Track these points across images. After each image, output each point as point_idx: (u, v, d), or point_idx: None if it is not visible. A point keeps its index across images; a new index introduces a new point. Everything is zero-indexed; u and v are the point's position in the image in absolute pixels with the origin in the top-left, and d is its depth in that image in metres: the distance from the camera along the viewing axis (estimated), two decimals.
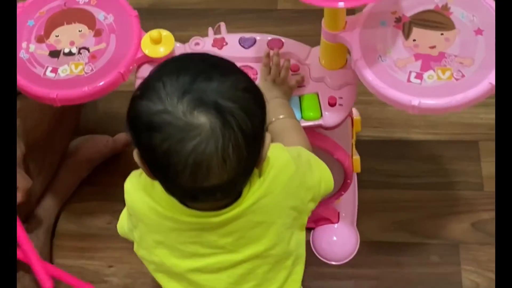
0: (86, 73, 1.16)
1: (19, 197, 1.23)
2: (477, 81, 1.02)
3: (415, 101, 1.03)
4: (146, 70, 1.20)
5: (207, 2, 1.85)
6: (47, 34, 1.20)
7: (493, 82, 1.01)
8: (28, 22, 1.22)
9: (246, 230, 0.91)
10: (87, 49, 1.19)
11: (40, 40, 1.20)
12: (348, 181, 1.33)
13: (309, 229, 1.47)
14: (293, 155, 0.96)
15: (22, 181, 1.26)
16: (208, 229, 0.90)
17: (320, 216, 1.46)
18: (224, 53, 1.20)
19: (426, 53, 1.07)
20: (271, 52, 1.17)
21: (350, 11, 1.10)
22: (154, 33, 1.17)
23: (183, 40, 1.23)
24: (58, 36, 1.20)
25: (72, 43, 1.19)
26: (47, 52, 1.19)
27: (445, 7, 1.10)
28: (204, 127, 0.77)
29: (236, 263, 0.93)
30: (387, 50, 1.08)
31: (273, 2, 1.80)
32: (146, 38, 1.19)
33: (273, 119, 1.10)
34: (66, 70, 1.17)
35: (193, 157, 0.78)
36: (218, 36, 1.22)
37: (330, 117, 1.15)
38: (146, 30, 1.20)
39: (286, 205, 0.94)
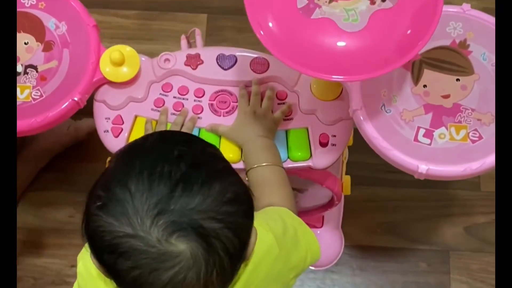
0: (34, 99, 0.99)
1: None
2: None
3: (423, 168, 0.88)
4: (106, 92, 1.03)
5: None
6: None
7: None
8: None
9: None
10: (35, 68, 1.00)
11: None
12: (337, 202, 1.20)
13: None
14: (277, 232, 0.84)
15: None
16: None
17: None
18: (198, 74, 1.02)
19: (438, 104, 0.91)
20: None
21: None
22: (114, 53, 0.99)
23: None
24: None
25: (17, 59, 1.00)
26: None
27: (464, 44, 0.92)
28: (184, 255, 0.65)
29: None
30: (393, 97, 0.91)
31: None
32: (106, 56, 1.00)
33: (255, 165, 0.96)
34: None
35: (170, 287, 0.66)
36: (192, 52, 1.03)
37: (321, 159, 1.01)
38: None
39: None
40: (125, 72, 1.01)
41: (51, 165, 1.43)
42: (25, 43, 1.01)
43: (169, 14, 1.53)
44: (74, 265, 1.31)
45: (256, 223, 0.82)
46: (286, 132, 1.01)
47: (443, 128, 0.90)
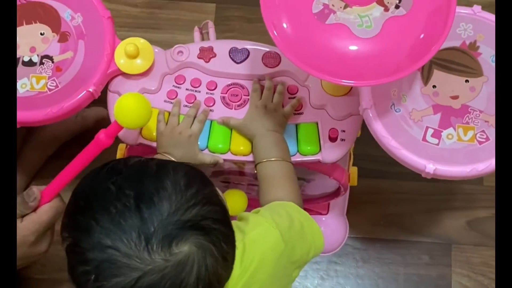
0: (49, 89, 1.00)
1: None
2: None
3: (430, 167, 0.90)
4: (119, 83, 1.04)
5: None
6: None
7: None
8: None
9: None
10: (51, 59, 1.02)
11: None
12: (343, 192, 1.22)
13: None
14: (283, 227, 0.86)
15: None
16: None
17: (308, 208, 1.36)
18: (211, 67, 1.04)
19: (446, 104, 0.92)
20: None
21: None
22: (129, 46, 1.00)
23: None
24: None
25: (32, 50, 1.02)
26: None
27: (473, 46, 0.94)
28: (192, 252, 0.69)
29: None
30: (402, 96, 0.93)
31: None
32: (121, 48, 1.01)
33: (264, 160, 0.98)
34: (26, 84, 1.00)
35: (202, 283, 0.71)
36: (205, 45, 1.04)
37: (330, 153, 1.02)
38: None
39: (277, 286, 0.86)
40: (139, 64, 1.02)
41: (59, 152, 1.43)
42: (41, 34, 1.02)
43: (177, 3, 1.53)
44: None
45: (263, 219, 0.86)
46: (296, 126, 1.03)
47: (451, 128, 0.91)
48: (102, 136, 0.86)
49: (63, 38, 1.02)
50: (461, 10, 0.94)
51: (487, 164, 0.89)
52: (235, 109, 1.03)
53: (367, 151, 1.38)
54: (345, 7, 0.81)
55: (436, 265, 1.36)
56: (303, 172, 1.13)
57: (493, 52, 0.93)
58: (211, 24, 1.10)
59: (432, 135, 0.91)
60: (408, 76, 0.93)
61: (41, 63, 1.01)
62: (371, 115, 0.92)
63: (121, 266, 0.67)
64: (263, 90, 1.02)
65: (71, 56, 1.01)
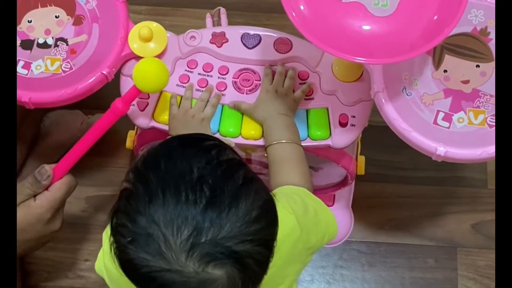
0: (64, 71, 1.01)
1: None
2: None
3: (441, 150, 0.91)
4: (133, 66, 1.03)
5: None
6: (18, 18, 1.03)
7: None
8: None
9: None
10: (65, 41, 1.03)
11: None
12: (350, 181, 1.23)
13: None
14: (299, 214, 0.86)
15: None
16: None
17: None
18: (223, 52, 1.05)
19: (457, 88, 0.93)
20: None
21: None
22: (143, 30, 1.01)
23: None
24: (31, 21, 1.04)
25: (47, 32, 1.03)
26: (19, 42, 1.02)
27: (484, 32, 0.95)
28: (221, 280, 0.67)
29: None
30: (413, 81, 0.94)
31: None
32: (134, 32, 1.02)
33: (274, 142, 0.99)
34: (40, 66, 1.01)
35: None
36: (217, 30, 1.06)
37: (340, 138, 1.03)
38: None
39: (288, 273, 0.87)
40: (152, 48, 1.03)
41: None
42: (56, 17, 1.04)
43: (180, 10, 1.53)
44: (87, 259, 1.36)
45: (280, 205, 0.83)
46: (307, 111, 1.04)
47: (462, 112, 0.92)
48: (118, 103, 0.86)
49: (78, 21, 1.03)
50: None
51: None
52: (246, 93, 1.04)
53: (372, 155, 1.41)
54: None
55: (442, 268, 1.36)
56: (312, 160, 1.13)
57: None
58: (223, 11, 1.12)
59: (443, 119, 0.92)
60: (420, 60, 0.95)
61: (56, 45, 1.02)
62: (382, 98, 0.93)
63: (157, 249, 0.66)
64: (274, 75, 1.03)
65: (85, 39, 1.03)
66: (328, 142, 1.03)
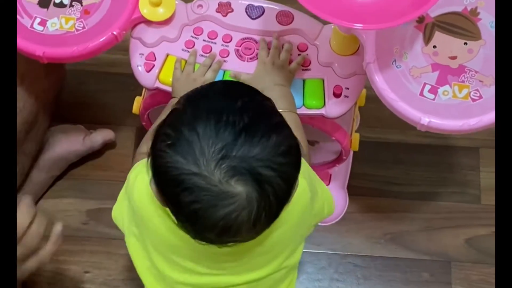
0: (77, 30, 1.07)
1: None
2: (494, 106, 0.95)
3: (425, 120, 0.96)
4: (142, 30, 1.11)
5: None
6: None
7: None
8: None
9: (253, 257, 0.88)
10: (80, 2, 1.09)
11: None
12: (344, 157, 1.28)
13: None
14: (306, 177, 0.91)
15: None
16: (214, 253, 0.86)
17: None
18: (228, 21, 1.11)
19: (445, 63, 0.98)
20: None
21: None
22: None
23: None
24: None
25: None
26: (36, 0, 1.09)
27: (474, 12, 1.00)
28: (240, 196, 0.73)
29: (234, 285, 0.90)
30: (404, 54, 0.99)
31: None
32: None
33: None
34: (55, 24, 1.08)
35: (224, 222, 0.74)
36: (224, 0, 1.12)
37: (333, 108, 1.08)
38: None
39: (296, 235, 0.92)
40: (161, 13, 1.09)
41: (65, 172, 1.46)
42: None
43: None
44: (88, 271, 1.39)
45: None
46: (304, 81, 1.09)
47: (447, 86, 0.97)
48: None
49: None
50: None
51: (478, 119, 0.95)
52: (247, 61, 1.10)
53: (367, 170, 1.46)
54: None
55: (436, 282, 1.38)
56: (308, 133, 1.18)
57: (492, 18, 0.99)
58: None
59: (429, 91, 0.97)
60: (411, 35, 1.00)
61: (71, 5, 1.09)
62: (373, 69, 0.98)
63: (191, 154, 0.72)
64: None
65: (99, 1, 1.09)
66: (322, 111, 1.08)
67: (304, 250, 0.98)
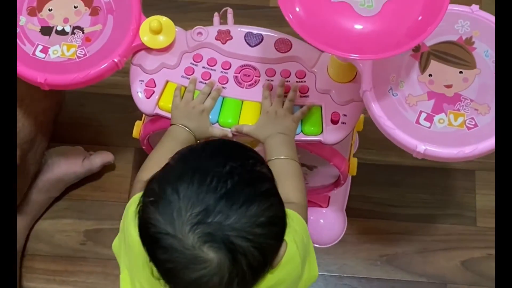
0: (78, 57, 1.09)
1: None
2: (490, 134, 0.97)
3: (421, 148, 0.97)
4: (142, 57, 1.13)
5: None
6: (40, 6, 1.12)
7: None
8: None
9: None
10: (82, 30, 1.11)
11: (32, 13, 1.11)
12: (342, 182, 1.29)
13: None
14: (299, 242, 0.90)
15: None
16: None
17: (309, 200, 1.43)
18: (227, 48, 1.12)
19: (440, 92, 1.00)
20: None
21: None
22: (153, 23, 1.09)
23: None
24: (51, 10, 1.12)
25: (66, 20, 1.11)
26: (39, 28, 1.11)
27: (469, 41, 1.02)
28: (211, 263, 0.74)
29: None
30: (400, 82, 1.01)
31: None
32: (145, 25, 1.10)
33: (273, 157, 1.05)
34: (57, 51, 1.09)
35: (196, 285, 0.76)
36: (223, 28, 1.13)
37: (331, 135, 1.10)
38: None
39: None
40: (161, 40, 1.11)
41: (64, 193, 1.48)
42: (74, 7, 1.11)
43: None
44: None
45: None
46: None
47: (443, 114, 0.99)
48: None
49: (94, 12, 1.11)
50: (460, 8, 1.03)
51: (473, 148, 0.96)
52: (246, 88, 1.11)
53: (364, 192, 1.49)
54: None
55: None
56: (306, 158, 1.20)
57: (487, 47, 1.01)
58: (230, 11, 1.19)
59: (425, 119, 0.99)
60: (407, 64, 1.02)
61: (73, 33, 1.10)
62: (370, 97, 1.00)
63: (168, 215, 0.74)
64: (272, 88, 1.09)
65: (100, 28, 1.10)
66: (320, 138, 1.10)
67: None
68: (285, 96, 1.09)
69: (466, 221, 1.47)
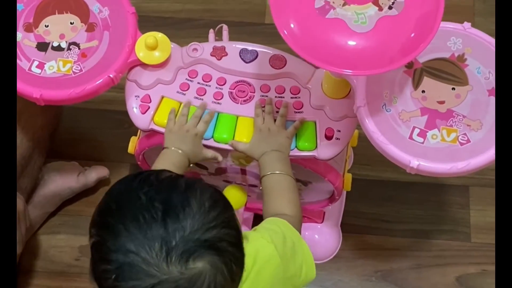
0: (74, 72, 1.10)
1: None
2: (482, 150, 0.97)
3: (414, 163, 0.98)
4: (138, 73, 1.13)
5: (189, 11, 1.71)
6: (36, 22, 1.13)
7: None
8: (17, 6, 1.13)
9: None
10: (78, 46, 1.11)
11: (28, 29, 1.12)
12: (337, 197, 1.30)
13: None
14: (278, 243, 0.93)
15: None
16: None
17: (304, 216, 1.43)
18: (222, 64, 1.13)
19: (433, 108, 1.01)
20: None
21: None
22: (149, 39, 1.10)
23: None
24: (47, 26, 1.13)
25: (62, 36, 1.12)
26: (35, 44, 1.12)
27: (461, 58, 1.03)
28: (205, 269, 0.75)
29: None
30: (393, 98, 1.02)
31: (260, 16, 1.68)
32: (141, 41, 1.11)
33: (268, 173, 1.06)
34: (53, 67, 1.10)
35: None
36: (218, 44, 1.14)
37: (325, 150, 1.10)
38: None
39: None
40: (157, 56, 1.12)
41: (59, 208, 1.49)
42: (70, 23, 1.12)
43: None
44: None
45: (259, 235, 0.93)
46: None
47: (436, 130, 1.00)
48: None
49: (90, 28, 1.12)
50: (453, 25, 1.04)
51: (466, 163, 0.97)
52: (241, 103, 1.12)
53: (359, 207, 1.49)
54: (343, 4, 0.91)
55: None
56: (301, 174, 1.21)
57: (479, 64, 1.02)
58: (225, 27, 1.21)
59: (418, 135, 1.00)
60: (400, 80, 1.03)
61: (69, 49, 1.11)
62: (363, 112, 1.01)
63: (140, 271, 0.74)
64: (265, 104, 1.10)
65: (96, 44, 1.11)
66: (314, 153, 1.10)
67: None
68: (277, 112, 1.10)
69: (460, 237, 1.47)
